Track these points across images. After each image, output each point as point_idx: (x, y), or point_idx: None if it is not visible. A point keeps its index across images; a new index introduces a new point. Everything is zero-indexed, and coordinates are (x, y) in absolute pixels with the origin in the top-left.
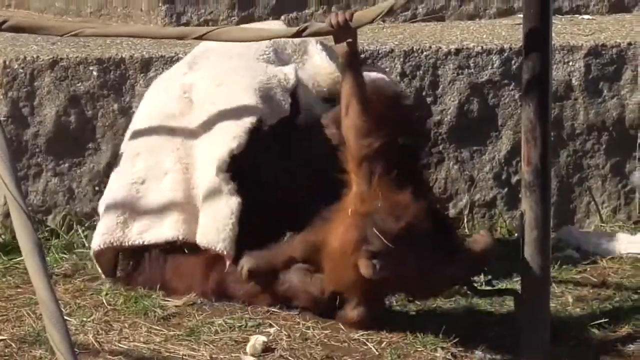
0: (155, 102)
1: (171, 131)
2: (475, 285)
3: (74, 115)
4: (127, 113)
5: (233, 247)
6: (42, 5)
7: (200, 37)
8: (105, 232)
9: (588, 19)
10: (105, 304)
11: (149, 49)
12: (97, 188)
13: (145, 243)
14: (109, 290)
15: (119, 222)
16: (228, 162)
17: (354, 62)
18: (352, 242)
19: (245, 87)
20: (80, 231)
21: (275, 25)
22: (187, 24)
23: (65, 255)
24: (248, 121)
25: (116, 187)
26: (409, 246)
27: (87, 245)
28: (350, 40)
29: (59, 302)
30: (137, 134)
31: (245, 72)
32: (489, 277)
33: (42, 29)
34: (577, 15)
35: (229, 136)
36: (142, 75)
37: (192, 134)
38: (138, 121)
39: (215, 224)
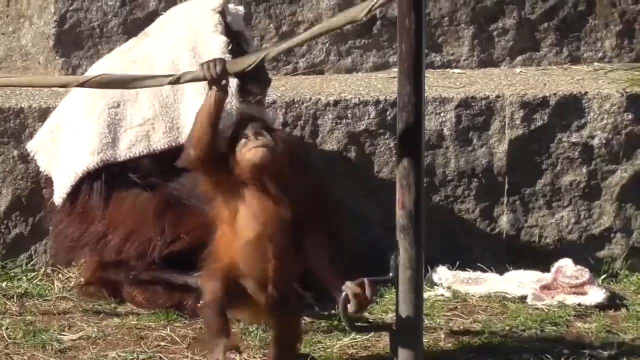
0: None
1: (127, 61)
2: (352, 321)
3: None
4: (26, 160)
5: None
6: None
7: (82, 85)
8: (100, 151)
9: (459, 72)
10: (6, 337)
11: (47, 99)
12: None
13: (137, 155)
14: (9, 325)
15: (107, 142)
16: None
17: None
18: None
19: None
20: None
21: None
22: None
23: None
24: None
25: (87, 123)
26: None
27: None
28: (224, 84)
29: None
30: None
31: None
32: (366, 313)
33: None
34: (448, 70)
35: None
36: (40, 123)
37: (149, 53)
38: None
39: None
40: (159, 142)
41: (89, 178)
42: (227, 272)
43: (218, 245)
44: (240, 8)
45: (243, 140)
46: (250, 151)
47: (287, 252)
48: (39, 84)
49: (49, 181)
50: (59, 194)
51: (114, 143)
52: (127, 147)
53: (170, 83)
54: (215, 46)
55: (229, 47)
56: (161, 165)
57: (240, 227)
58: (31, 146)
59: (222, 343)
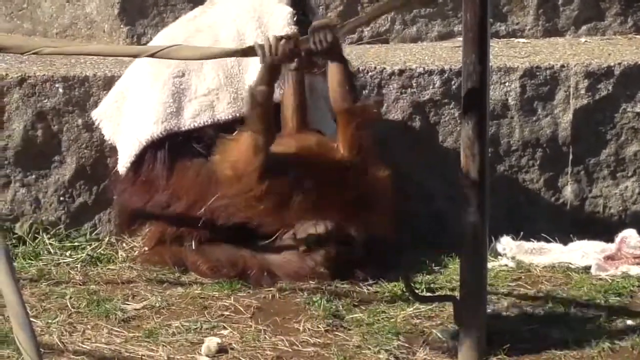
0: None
1: (192, 30)
2: (417, 291)
3: (41, 129)
4: (90, 128)
5: None
6: (11, 26)
7: (152, 55)
8: (164, 120)
9: (523, 42)
10: (70, 307)
11: (111, 68)
12: (62, 198)
13: (201, 125)
14: (72, 294)
15: (171, 111)
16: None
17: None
18: None
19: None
20: (45, 239)
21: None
22: (146, 44)
23: (31, 261)
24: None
25: (152, 92)
26: None
27: (52, 251)
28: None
29: (26, 305)
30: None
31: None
32: (430, 284)
33: (3, 47)
34: (513, 39)
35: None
36: (104, 92)
37: (214, 22)
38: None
39: None
40: (223, 112)
41: (152, 147)
42: None
43: None
44: None
45: None
46: None
47: None
48: (107, 53)
49: (113, 150)
50: (123, 163)
51: (178, 112)
52: (191, 117)
53: (241, 54)
54: (281, 16)
55: (294, 18)
56: (225, 135)
57: None
58: (96, 115)
59: None
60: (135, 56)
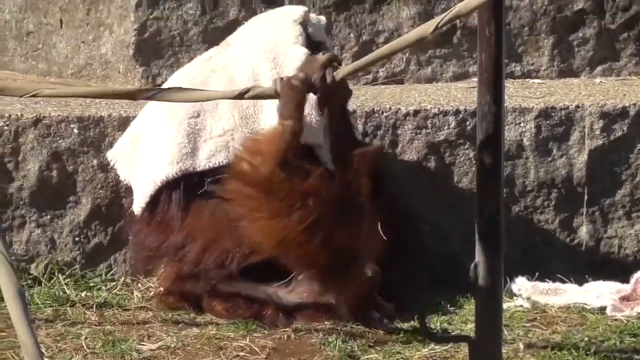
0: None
1: (208, 70)
2: (432, 332)
3: (56, 170)
4: (105, 169)
5: None
6: (27, 67)
7: (149, 98)
8: (179, 161)
9: (538, 82)
10: (85, 347)
11: (126, 108)
12: (77, 239)
13: (216, 165)
14: (88, 335)
15: (186, 152)
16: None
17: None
18: None
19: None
20: (61, 279)
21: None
22: (161, 84)
23: (47, 302)
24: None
25: (167, 132)
26: None
27: (67, 292)
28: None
29: (41, 345)
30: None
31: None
32: (445, 324)
33: (2, 90)
34: (528, 80)
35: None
36: (119, 133)
37: (230, 62)
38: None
39: None
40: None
41: (167, 188)
42: None
43: None
44: (322, 18)
45: None
46: None
47: None
48: (108, 95)
49: (128, 190)
50: (138, 204)
51: (194, 153)
52: (207, 157)
53: (238, 97)
54: (296, 57)
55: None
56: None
57: None
58: (111, 155)
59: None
60: (132, 98)
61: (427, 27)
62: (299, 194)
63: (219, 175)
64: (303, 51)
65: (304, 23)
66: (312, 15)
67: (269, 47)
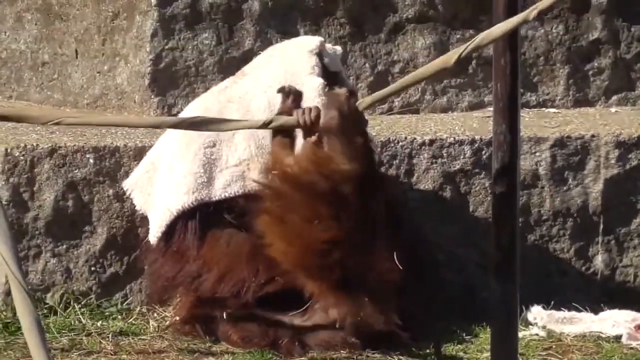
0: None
1: (224, 101)
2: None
3: (72, 200)
4: (121, 199)
5: None
6: (42, 97)
7: (174, 126)
8: (195, 191)
9: (554, 112)
10: None
11: (142, 138)
12: (92, 268)
13: (232, 195)
14: None
15: (202, 181)
16: None
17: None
18: None
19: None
20: (77, 309)
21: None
22: (177, 114)
23: (63, 332)
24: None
25: (183, 162)
26: None
27: (83, 322)
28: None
29: None
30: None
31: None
32: (461, 353)
33: (25, 118)
34: (543, 109)
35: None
36: (135, 162)
37: (245, 93)
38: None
39: None
40: (254, 182)
41: (183, 217)
42: None
43: None
44: (338, 48)
45: None
46: None
47: None
48: (129, 124)
49: (144, 220)
50: (154, 233)
51: (209, 182)
52: (223, 187)
53: (262, 127)
54: (312, 87)
55: (326, 89)
56: (256, 205)
57: None
58: (127, 185)
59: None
60: (156, 127)
61: (449, 57)
62: (333, 205)
63: (234, 205)
64: (319, 81)
65: (320, 54)
66: (328, 46)
67: (285, 78)
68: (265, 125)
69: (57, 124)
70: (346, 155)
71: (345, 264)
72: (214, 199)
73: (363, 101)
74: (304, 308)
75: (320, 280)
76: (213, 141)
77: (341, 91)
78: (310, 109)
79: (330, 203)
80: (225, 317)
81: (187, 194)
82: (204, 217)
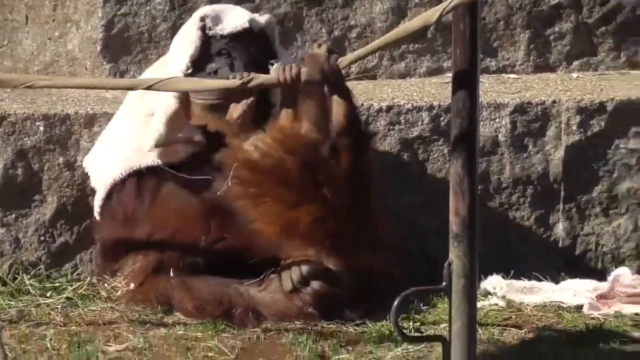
0: None
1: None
2: (405, 331)
3: (21, 168)
4: (72, 167)
5: None
6: None
7: (149, 88)
8: (127, 160)
9: (514, 77)
10: (50, 349)
11: (93, 106)
12: (42, 238)
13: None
14: (53, 336)
15: (134, 148)
16: None
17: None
18: None
19: None
20: (25, 279)
21: None
22: None
23: (11, 302)
24: None
25: (123, 128)
26: None
27: (32, 292)
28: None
29: (5, 347)
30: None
31: None
32: (418, 324)
33: None
34: (503, 75)
35: None
36: (86, 130)
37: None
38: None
39: None
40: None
41: (130, 181)
42: None
43: None
44: (267, 16)
45: None
46: None
47: None
48: (103, 86)
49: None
50: (98, 205)
51: (140, 150)
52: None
53: (241, 87)
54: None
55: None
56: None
57: None
58: (85, 162)
59: None
60: (131, 88)
61: (430, 15)
62: (311, 185)
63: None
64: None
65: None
66: (255, 15)
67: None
68: (244, 85)
69: (28, 87)
70: (318, 122)
71: (338, 228)
72: (144, 165)
73: (344, 59)
74: (259, 278)
75: (313, 247)
76: (151, 111)
77: (321, 49)
78: (290, 67)
79: (306, 180)
80: (175, 276)
81: (122, 163)
82: (150, 179)
